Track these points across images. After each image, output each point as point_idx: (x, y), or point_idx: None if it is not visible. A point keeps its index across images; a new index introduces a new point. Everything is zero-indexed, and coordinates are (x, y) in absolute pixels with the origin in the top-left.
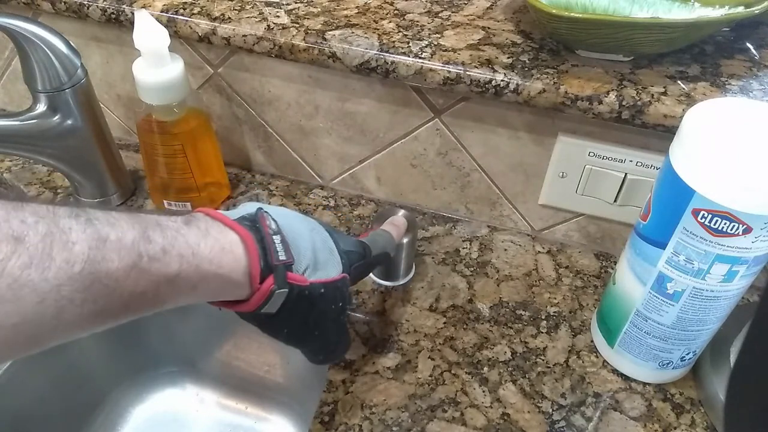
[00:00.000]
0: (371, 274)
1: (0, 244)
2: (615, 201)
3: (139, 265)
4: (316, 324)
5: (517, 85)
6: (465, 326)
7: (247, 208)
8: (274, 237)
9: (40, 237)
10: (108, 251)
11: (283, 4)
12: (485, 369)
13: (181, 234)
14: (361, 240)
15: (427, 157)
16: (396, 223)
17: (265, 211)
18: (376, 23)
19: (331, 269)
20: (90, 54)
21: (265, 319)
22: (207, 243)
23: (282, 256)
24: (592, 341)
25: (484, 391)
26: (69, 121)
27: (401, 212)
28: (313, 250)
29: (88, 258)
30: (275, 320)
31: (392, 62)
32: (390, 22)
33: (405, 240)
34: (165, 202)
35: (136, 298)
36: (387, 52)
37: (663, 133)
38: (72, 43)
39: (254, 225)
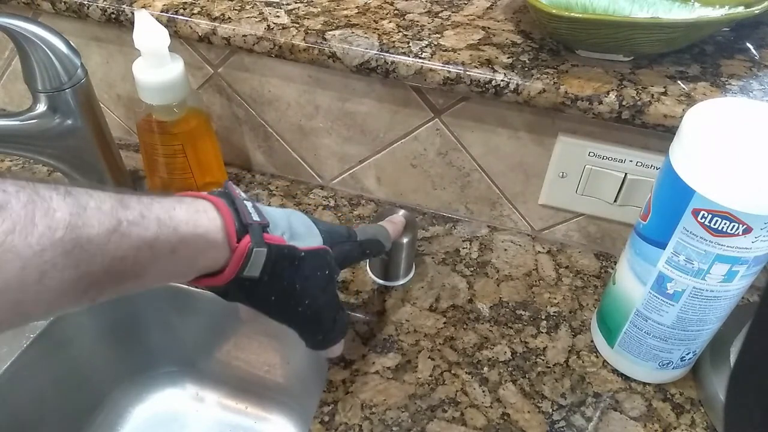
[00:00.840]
0: (371, 274)
1: None
2: (615, 201)
3: (119, 230)
4: (304, 291)
5: (517, 85)
6: (465, 326)
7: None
8: (245, 201)
9: (22, 204)
10: (88, 217)
11: (283, 4)
12: (485, 369)
13: (156, 201)
14: (346, 226)
15: (427, 157)
16: (394, 221)
17: (235, 186)
18: (376, 23)
19: (310, 240)
20: (90, 54)
21: (250, 288)
22: (182, 207)
23: (256, 217)
24: (592, 341)
25: (484, 391)
26: (69, 121)
27: (401, 212)
28: (288, 224)
29: (69, 224)
30: (260, 286)
31: (392, 62)
32: (390, 22)
33: (405, 240)
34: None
35: (117, 263)
36: (387, 52)
37: (663, 133)
38: (72, 43)
39: (225, 192)
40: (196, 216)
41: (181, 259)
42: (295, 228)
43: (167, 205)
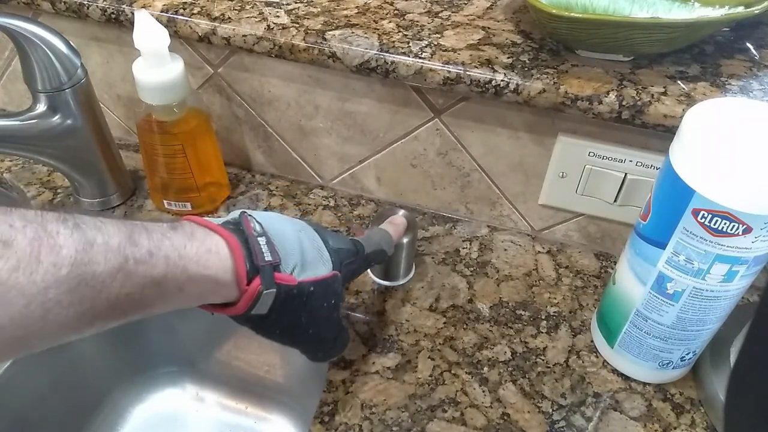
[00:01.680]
0: (371, 274)
1: None
2: (615, 201)
3: (126, 268)
4: (309, 323)
5: (517, 85)
6: (465, 326)
7: (233, 214)
8: (258, 238)
9: (28, 241)
10: (94, 254)
11: (283, 4)
12: (485, 369)
13: (167, 237)
14: (353, 238)
15: (427, 157)
16: (395, 222)
17: (249, 215)
18: (376, 23)
19: (320, 268)
20: (90, 54)
21: (257, 321)
22: (193, 245)
23: (268, 257)
24: (592, 341)
25: (484, 391)
26: (69, 121)
27: (401, 212)
28: (300, 250)
29: (75, 261)
30: (267, 321)
31: (392, 62)
32: (390, 22)
33: (405, 240)
34: (165, 202)
35: (123, 300)
36: (387, 52)
37: (663, 133)
38: (72, 43)
39: (238, 228)
40: (207, 256)
41: (188, 296)
42: (307, 255)
43: (177, 242)
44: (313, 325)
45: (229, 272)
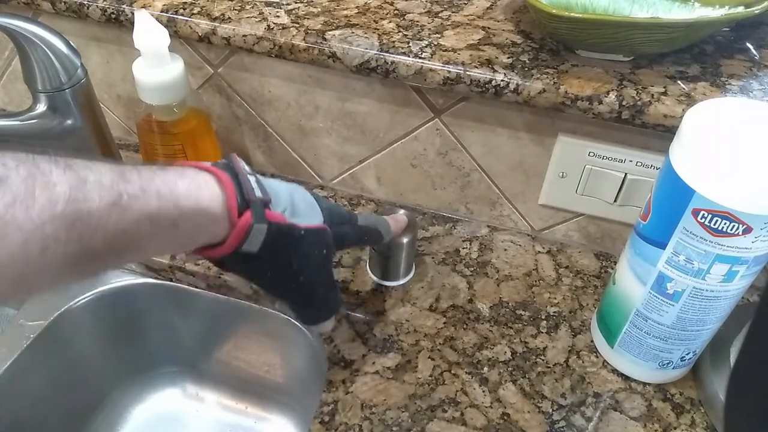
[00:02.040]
0: (371, 274)
1: None
2: (615, 201)
3: (120, 203)
4: (300, 268)
5: (517, 85)
6: (465, 326)
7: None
8: (249, 176)
9: (22, 178)
10: (88, 191)
11: (283, 4)
12: (485, 369)
13: (157, 175)
14: (348, 210)
15: (427, 157)
16: (396, 218)
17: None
18: (376, 23)
19: (311, 218)
20: (90, 54)
21: (247, 262)
22: (183, 181)
23: (258, 193)
24: (592, 341)
25: (484, 391)
26: (69, 121)
27: (401, 212)
28: (291, 199)
29: (70, 197)
30: (258, 262)
31: (392, 62)
32: (390, 22)
33: (405, 240)
34: None
35: (119, 237)
36: (387, 52)
37: (663, 133)
38: (72, 43)
39: (228, 165)
40: (198, 191)
41: (181, 232)
42: (297, 204)
43: (169, 179)
44: (304, 271)
45: (221, 205)
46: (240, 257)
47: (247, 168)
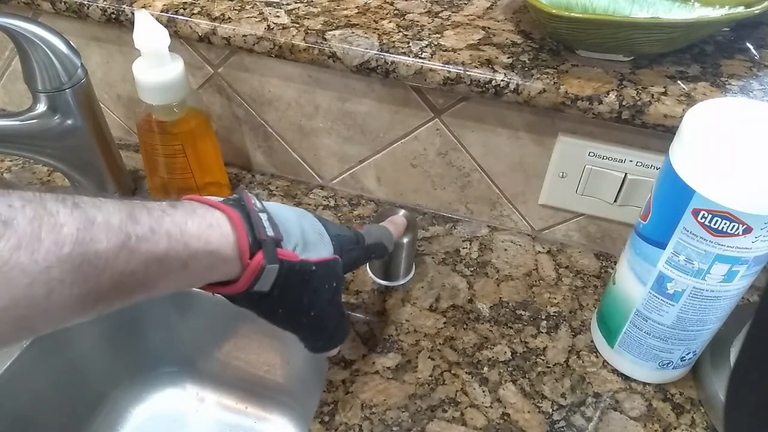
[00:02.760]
0: (371, 274)
1: None
2: (615, 201)
3: (128, 245)
4: (311, 304)
5: (517, 85)
6: (465, 326)
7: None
8: (260, 214)
9: (28, 220)
10: (96, 232)
11: (283, 4)
12: (485, 369)
13: (167, 214)
14: (354, 230)
15: (427, 157)
16: (395, 222)
17: (250, 193)
18: (376, 23)
19: (322, 250)
20: (90, 54)
21: (258, 300)
22: (194, 221)
23: (270, 232)
24: (592, 341)
25: (484, 391)
26: (69, 121)
27: (401, 212)
28: (301, 231)
29: (77, 239)
30: (269, 300)
31: (392, 62)
32: (390, 22)
33: (405, 240)
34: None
35: (126, 278)
36: (387, 52)
37: (663, 133)
38: (72, 43)
39: (239, 203)
40: (208, 230)
41: (191, 272)
42: (308, 237)
43: (178, 219)
44: (314, 307)
45: (232, 246)
46: (251, 295)
47: (258, 204)
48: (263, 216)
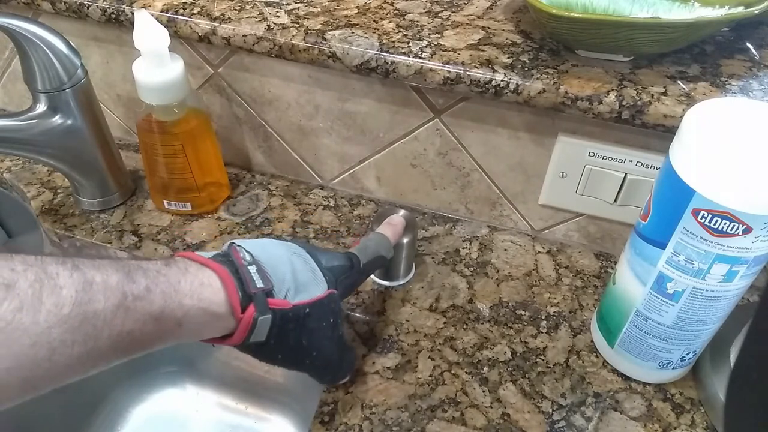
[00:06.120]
0: (371, 274)
1: None
2: (615, 201)
3: (125, 304)
4: (311, 344)
5: (517, 85)
6: (465, 326)
7: (224, 247)
8: (249, 267)
9: (29, 283)
10: (94, 292)
11: (283, 4)
12: (485, 369)
13: (162, 274)
14: (348, 252)
15: (427, 157)
16: (393, 223)
17: (238, 245)
18: (376, 23)
19: (314, 288)
20: (90, 54)
21: (258, 349)
22: (187, 280)
23: (259, 284)
24: (592, 341)
25: (484, 391)
26: (69, 121)
27: (401, 212)
28: (292, 273)
29: (76, 300)
30: (266, 348)
31: (392, 62)
32: (390, 22)
33: (405, 240)
34: (165, 202)
35: (124, 338)
36: (387, 52)
37: (663, 133)
38: (72, 43)
39: (227, 259)
40: (200, 289)
41: (186, 330)
42: (300, 278)
43: (173, 278)
44: (314, 346)
45: (223, 303)
46: (250, 346)
47: (247, 257)
48: (252, 269)
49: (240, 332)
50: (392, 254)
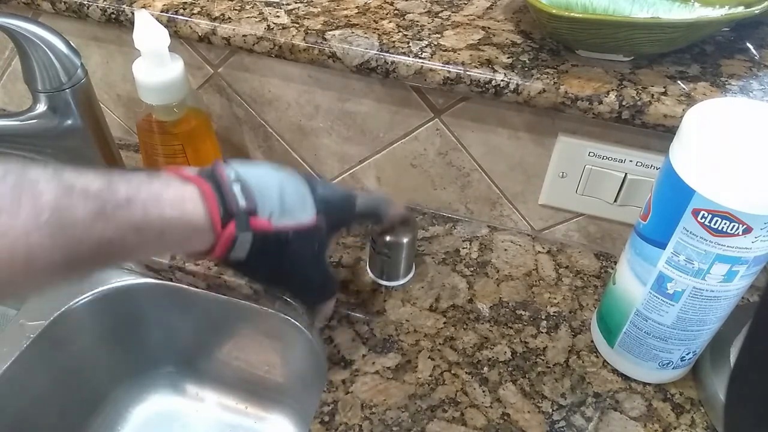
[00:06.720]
0: (371, 274)
1: None
2: (615, 201)
3: (105, 213)
4: (293, 268)
5: (517, 85)
6: (465, 326)
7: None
8: (233, 184)
9: (9, 187)
10: (74, 199)
11: (283, 4)
12: (485, 369)
13: (144, 184)
14: (349, 191)
15: (427, 157)
16: (395, 204)
17: (227, 163)
18: (376, 23)
19: (301, 214)
20: (90, 54)
21: (239, 265)
22: (169, 193)
23: (242, 202)
24: (592, 341)
25: (484, 391)
26: (69, 121)
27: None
28: (280, 197)
29: (56, 206)
30: (248, 265)
31: (392, 62)
32: (390, 22)
33: (405, 240)
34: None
35: (104, 245)
36: (387, 52)
37: (663, 133)
38: (72, 43)
39: (211, 174)
40: (182, 203)
41: (168, 241)
42: (287, 201)
43: (155, 189)
44: (296, 270)
45: (204, 218)
46: (230, 262)
47: (232, 174)
48: (236, 186)
49: (220, 247)
50: (387, 219)
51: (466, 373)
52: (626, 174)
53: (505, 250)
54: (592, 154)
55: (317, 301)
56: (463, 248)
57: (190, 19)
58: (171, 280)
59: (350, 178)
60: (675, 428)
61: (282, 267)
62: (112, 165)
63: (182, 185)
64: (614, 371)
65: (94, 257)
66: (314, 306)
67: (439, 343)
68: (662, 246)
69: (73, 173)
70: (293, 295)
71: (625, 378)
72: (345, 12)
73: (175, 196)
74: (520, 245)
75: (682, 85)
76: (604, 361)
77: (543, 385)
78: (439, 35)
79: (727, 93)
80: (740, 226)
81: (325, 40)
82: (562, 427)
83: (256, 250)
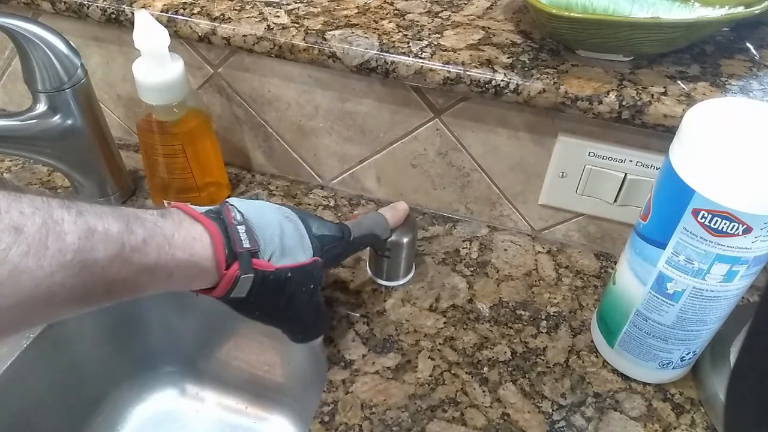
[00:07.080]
0: (371, 274)
1: (2, 234)
2: (615, 201)
3: (122, 255)
4: (288, 306)
5: (517, 85)
6: (465, 326)
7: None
8: (238, 227)
9: (37, 227)
10: (96, 241)
11: (283, 4)
12: (485, 369)
13: (158, 226)
14: (341, 223)
15: (427, 157)
16: (396, 208)
17: (231, 204)
18: (376, 23)
19: (299, 254)
20: (90, 54)
21: (238, 303)
22: (180, 234)
23: (246, 244)
24: (592, 341)
25: (484, 391)
26: (69, 121)
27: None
28: (281, 237)
29: (79, 248)
30: (246, 304)
31: (392, 62)
32: (390, 22)
33: (405, 240)
34: (165, 202)
35: (119, 284)
36: (387, 52)
37: (663, 133)
38: (72, 43)
39: (219, 216)
40: (192, 243)
41: (176, 281)
42: (287, 243)
43: (167, 231)
44: (291, 309)
45: (210, 259)
46: (231, 300)
47: (237, 216)
48: (241, 228)
49: (222, 286)
50: (388, 235)
51: (466, 373)
52: (626, 174)
53: (505, 250)
54: (592, 154)
55: (308, 338)
56: (463, 248)
57: (190, 19)
58: None
59: (350, 178)
60: (675, 428)
61: (278, 305)
62: (112, 165)
63: (192, 225)
64: (614, 371)
65: (106, 294)
66: (304, 342)
67: (439, 343)
68: (662, 246)
69: (94, 214)
70: (284, 331)
71: (625, 378)
72: (345, 12)
73: (185, 238)
74: (520, 245)
75: (682, 85)
76: (604, 361)
77: (543, 385)
78: (439, 35)
79: (727, 93)
80: (740, 226)
81: (325, 40)
82: (562, 427)
83: (256, 289)
